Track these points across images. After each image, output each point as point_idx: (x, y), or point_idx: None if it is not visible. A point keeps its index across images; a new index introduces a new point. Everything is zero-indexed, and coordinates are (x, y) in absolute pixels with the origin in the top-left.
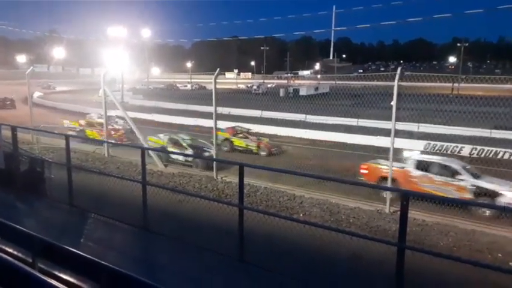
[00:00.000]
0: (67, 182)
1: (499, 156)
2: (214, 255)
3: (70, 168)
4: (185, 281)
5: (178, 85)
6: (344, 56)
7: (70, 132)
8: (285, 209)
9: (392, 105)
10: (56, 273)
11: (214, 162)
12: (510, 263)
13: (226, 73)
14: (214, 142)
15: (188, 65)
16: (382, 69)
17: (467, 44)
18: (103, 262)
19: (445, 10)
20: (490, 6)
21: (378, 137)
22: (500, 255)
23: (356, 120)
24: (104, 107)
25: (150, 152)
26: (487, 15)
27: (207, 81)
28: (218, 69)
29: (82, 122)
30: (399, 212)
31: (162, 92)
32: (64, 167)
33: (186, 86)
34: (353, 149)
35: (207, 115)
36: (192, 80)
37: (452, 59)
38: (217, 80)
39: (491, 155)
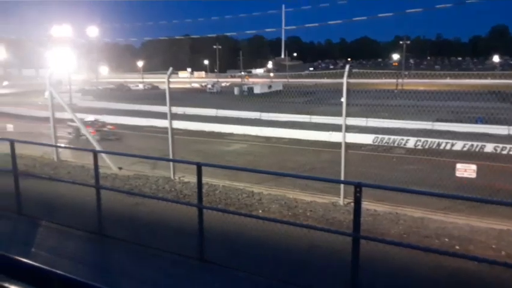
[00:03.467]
0: (13, 190)
1: (441, 147)
2: (174, 257)
3: (16, 175)
4: (145, 285)
5: (129, 85)
6: (294, 54)
7: None
8: (244, 206)
9: (342, 102)
10: (6, 285)
11: (171, 163)
12: (456, 247)
13: (180, 72)
14: (169, 142)
15: (140, 64)
16: (331, 67)
17: (408, 42)
18: (56, 271)
19: (388, 9)
20: (428, 6)
21: (330, 132)
22: (446, 239)
23: (308, 116)
24: (52, 110)
25: (103, 154)
26: (426, 14)
27: (160, 80)
28: (171, 68)
29: None
30: (352, 204)
31: (113, 93)
32: (9, 174)
33: (138, 86)
34: (307, 145)
35: (161, 115)
36: (144, 80)
37: (395, 56)
38: (171, 80)
39: (434, 146)
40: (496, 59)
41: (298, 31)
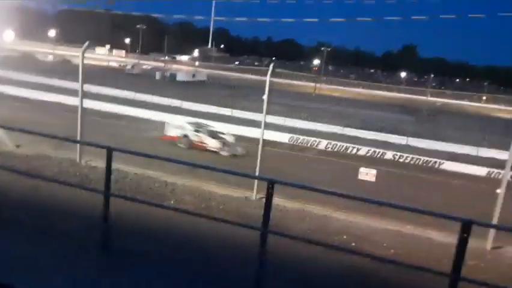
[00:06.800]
0: None
1: (348, 150)
2: (76, 245)
3: None
4: (42, 273)
5: (37, 55)
6: (221, 46)
7: None
8: (156, 196)
9: (263, 99)
10: None
11: (78, 145)
12: (353, 244)
13: (97, 48)
14: (78, 122)
15: (52, 34)
16: (256, 63)
17: (329, 49)
18: None
19: (314, 15)
20: (351, 17)
21: (250, 128)
22: (345, 237)
23: (230, 110)
24: None
25: None
26: (348, 25)
27: (73, 54)
28: (87, 42)
29: None
30: (264, 199)
31: (15, 62)
32: None
33: (47, 57)
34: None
35: (70, 92)
36: (56, 52)
37: (316, 61)
38: (86, 55)
39: (342, 150)
40: (402, 74)
41: (228, 24)
